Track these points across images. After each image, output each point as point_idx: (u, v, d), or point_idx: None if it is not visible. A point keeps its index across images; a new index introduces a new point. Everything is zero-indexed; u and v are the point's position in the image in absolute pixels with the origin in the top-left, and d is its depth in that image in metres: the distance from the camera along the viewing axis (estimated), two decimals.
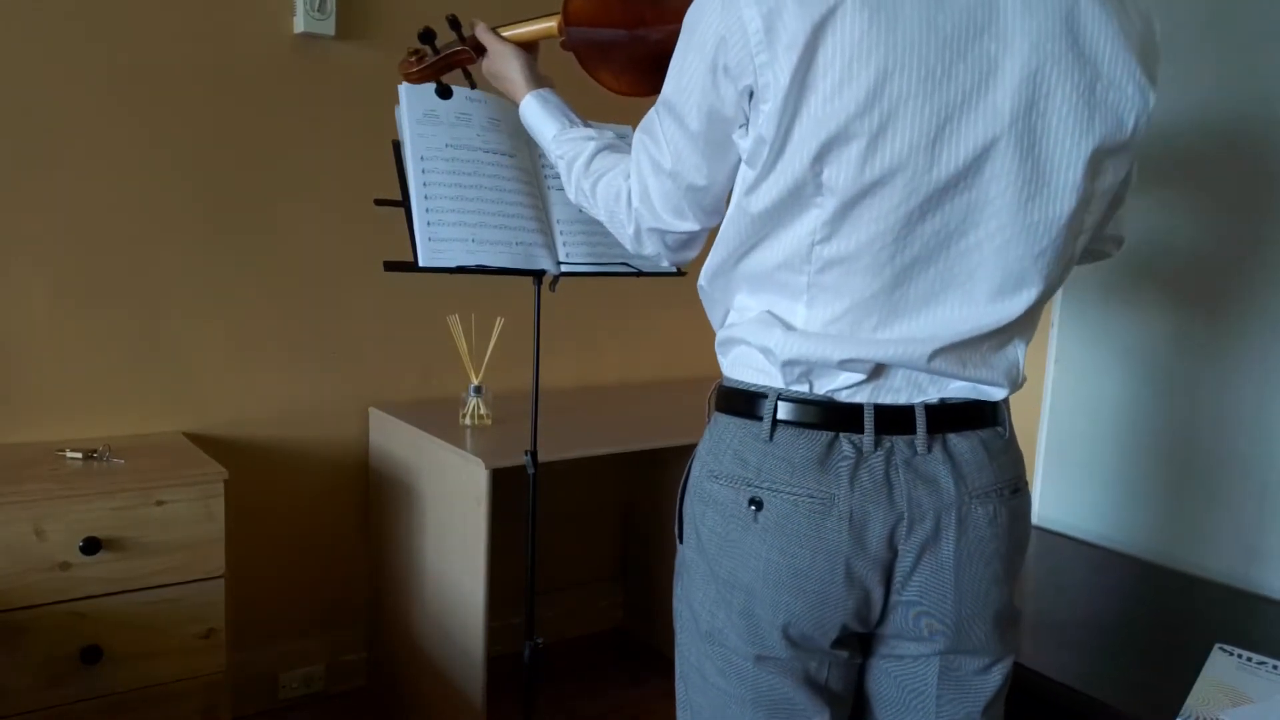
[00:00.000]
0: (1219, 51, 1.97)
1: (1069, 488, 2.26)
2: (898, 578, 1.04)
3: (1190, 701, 1.44)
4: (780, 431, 1.03)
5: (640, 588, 2.95)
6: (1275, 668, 1.55)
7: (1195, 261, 2.03)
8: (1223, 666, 1.55)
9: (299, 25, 2.27)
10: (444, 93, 1.63)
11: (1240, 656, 1.58)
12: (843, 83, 0.91)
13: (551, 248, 1.75)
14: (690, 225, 1.12)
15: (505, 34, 1.51)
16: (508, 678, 2.52)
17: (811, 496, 1.01)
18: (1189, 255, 2.04)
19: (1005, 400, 1.09)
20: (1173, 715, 1.41)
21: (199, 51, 2.19)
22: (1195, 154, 2.01)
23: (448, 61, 1.58)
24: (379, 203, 1.76)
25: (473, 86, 1.64)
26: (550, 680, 2.64)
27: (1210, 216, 2.00)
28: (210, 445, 2.27)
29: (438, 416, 2.34)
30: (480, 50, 1.54)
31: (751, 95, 0.96)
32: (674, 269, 1.85)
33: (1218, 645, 1.62)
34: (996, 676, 1.11)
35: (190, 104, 2.20)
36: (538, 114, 1.40)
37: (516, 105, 1.45)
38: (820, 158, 0.94)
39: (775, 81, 0.93)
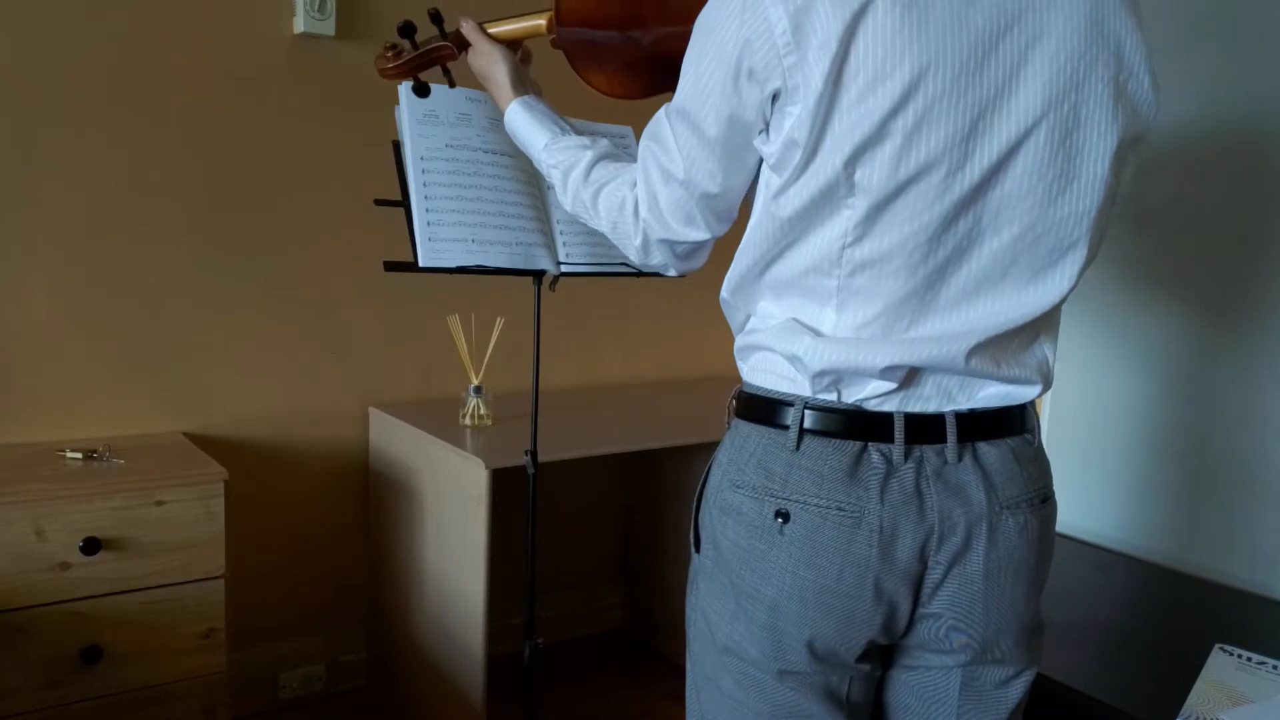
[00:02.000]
0: (1222, 50, 1.97)
1: (1072, 488, 2.26)
2: (926, 590, 1.01)
3: (1190, 701, 1.44)
4: (807, 441, 1.00)
5: (640, 588, 2.95)
6: (1275, 668, 1.55)
7: (1200, 260, 2.03)
8: (1223, 666, 1.55)
9: (299, 25, 2.27)
10: (421, 90, 1.56)
11: (1240, 656, 1.58)
12: (876, 82, 0.89)
13: (551, 248, 1.75)
14: (701, 234, 1.09)
15: (492, 30, 1.45)
16: (508, 678, 2.52)
17: (841, 509, 0.98)
18: (1197, 252, 2.04)
19: (1034, 403, 1.07)
20: (1173, 715, 1.41)
21: (199, 52, 2.19)
22: (1204, 150, 2.01)
23: (428, 58, 1.50)
24: (379, 203, 1.76)
25: (452, 85, 1.58)
26: (550, 680, 2.64)
27: (1219, 213, 2.00)
28: (210, 445, 2.27)
29: (438, 416, 2.34)
30: (462, 46, 1.48)
31: (775, 98, 0.94)
32: (680, 277, 1.85)
33: (1218, 645, 1.62)
34: (1018, 689, 1.08)
35: (190, 104, 2.20)
36: (525, 122, 1.35)
37: (500, 109, 1.41)
38: (854, 159, 0.92)
39: (806, 84, 0.90)
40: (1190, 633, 1.74)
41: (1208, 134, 1.99)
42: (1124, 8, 0.97)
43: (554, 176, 1.29)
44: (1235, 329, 1.97)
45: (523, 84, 1.41)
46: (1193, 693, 1.46)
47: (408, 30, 1.48)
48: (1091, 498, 2.22)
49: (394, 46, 1.53)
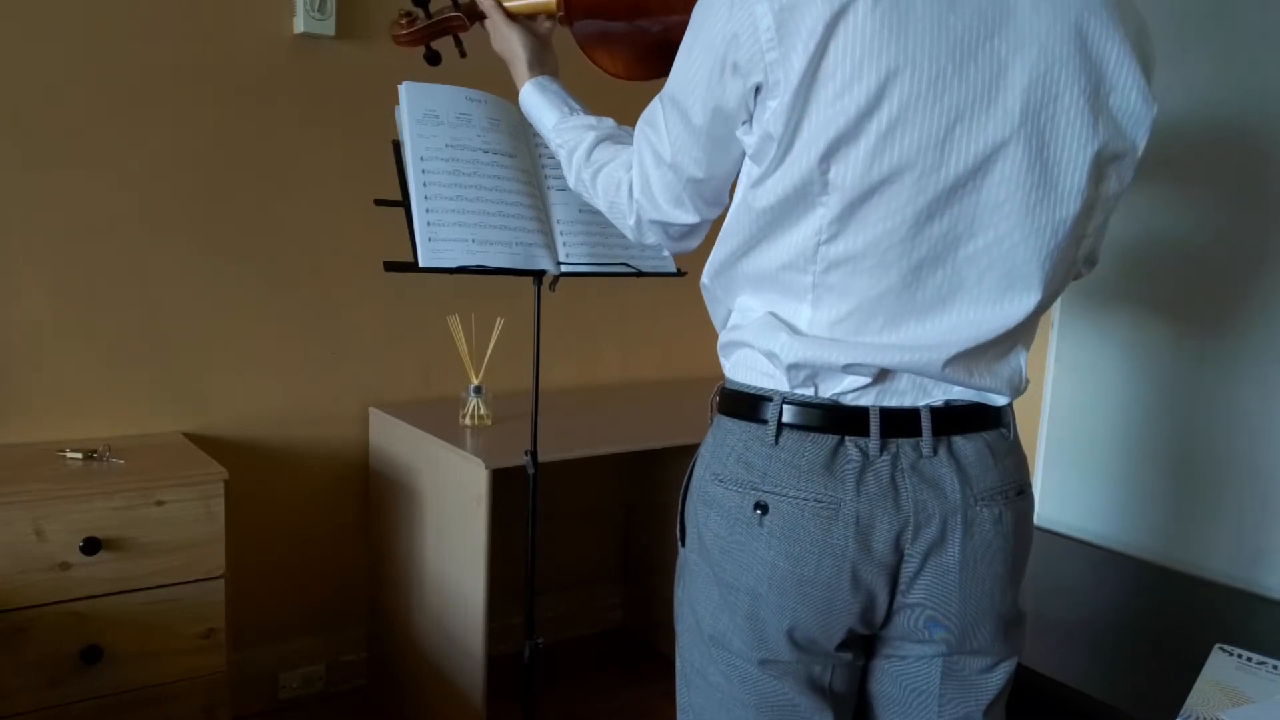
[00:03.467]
0: (1220, 51, 1.97)
1: (1069, 488, 2.26)
2: (903, 581, 1.03)
3: (1190, 701, 1.44)
4: (785, 435, 1.02)
5: (640, 588, 2.95)
6: (1275, 668, 1.55)
7: (1196, 261, 2.03)
8: (1223, 666, 1.55)
9: (299, 25, 2.27)
10: (433, 59, 1.60)
11: (1240, 656, 1.58)
12: (852, 81, 0.91)
13: (551, 248, 1.75)
14: (690, 217, 1.12)
15: (506, 4, 1.49)
16: (508, 678, 2.52)
17: (818, 501, 1.00)
18: (1190, 255, 2.04)
19: (1009, 405, 1.09)
20: (1173, 715, 1.41)
21: (199, 52, 2.19)
22: (1196, 154, 2.01)
23: (440, 26, 1.55)
24: (379, 203, 1.76)
25: (463, 54, 1.61)
26: (550, 680, 2.64)
27: (1211, 216, 2.00)
28: (210, 445, 2.27)
29: (438, 416, 2.34)
30: (474, 17, 1.51)
31: (758, 92, 0.96)
32: (674, 269, 1.86)
33: (1218, 645, 1.62)
34: (999, 677, 1.11)
35: (190, 104, 2.20)
36: (537, 103, 1.40)
37: (516, 86, 1.45)
38: (828, 156, 0.94)
39: (785, 79, 0.93)
40: (1183, 629, 1.74)
41: (1204, 134, 1.99)
42: (1113, 21, 0.97)
43: (560, 155, 1.35)
44: (1229, 329, 1.97)
45: (540, 63, 1.45)
46: (1193, 692, 1.46)
47: (422, 0, 1.53)
48: (1085, 496, 2.23)
49: (408, 15, 1.58)
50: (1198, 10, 1.99)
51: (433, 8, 1.55)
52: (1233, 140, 1.96)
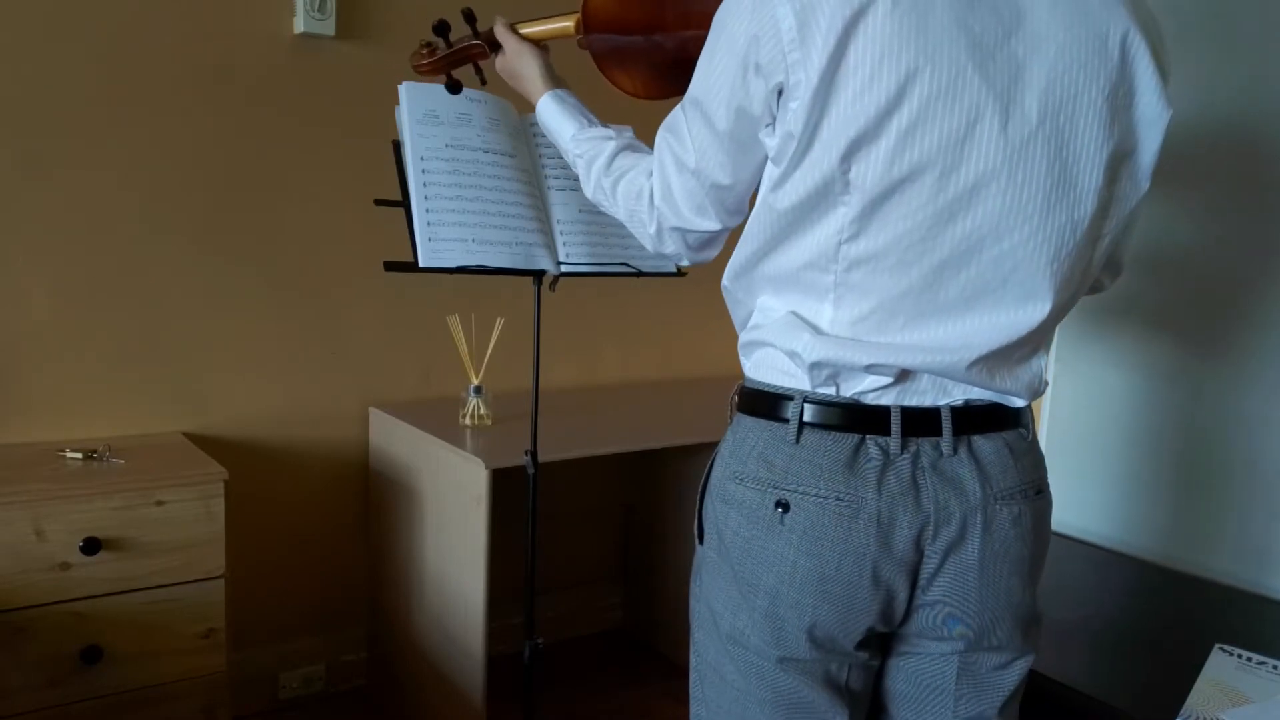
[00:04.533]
0: (1221, 50, 1.97)
1: (1070, 488, 2.26)
2: (922, 579, 1.04)
3: (1190, 701, 1.44)
4: (806, 434, 1.03)
5: (640, 588, 2.95)
6: (1275, 668, 1.55)
7: (1198, 260, 2.03)
8: (1223, 666, 1.55)
9: (299, 25, 2.27)
10: (454, 87, 1.61)
11: (1240, 656, 1.58)
12: (872, 80, 0.92)
13: (551, 248, 1.75)
14: (712, 224, 1.12)
15: (523, 31, 1.50)
16: (508, 678, 2.52)
17: (839, 499, 1.01)
18: (1192, 254, 2.04)
19: (1027, 406, 1.10)
20: (1173, 715, 1.41)
21: (199, 51, 2.19)
22: (1198, 154, 2.01)
23: (460, 55, 1.56)
24: (379, 203, 1.76)
25: (483, 83, 1.62)
26: (550, 680, 2.64)
27: (1215, 215, 2.00)
28: (210, 445, 2.27)
29: (438, 416, 2.34)
30: (494, 46, 1.52)
31: (780, 93, 0.97)
32: (675, 269, 1.86)
33: (1218, 645, 1.62)
34: (1015, 674, 1.11)
35: (190, 104, 2.20)
36: (556, 114, 1.40)
37: (532, 104, 1.44)
38: (849, 155, 0.94)
39: (806, 79, 0.93)
40: (1185, 630, 1.74)
41: (1205, 135, 1.99)
42: (1135, 26, 0.98)
43: (579, 165, 1.34)
44: (1229, 329, 1.97)
45: (554, 79, 1.45)
46: (1193, 693, 1.46)
47: (442, 29, 1.54)
48: (1087, 496, 2.23)
49: (429, 44, 1.58)
50: (1198, 10, 1.99)
51: (453, 37, 1.55)
52: (1234, 141, 1.96)
